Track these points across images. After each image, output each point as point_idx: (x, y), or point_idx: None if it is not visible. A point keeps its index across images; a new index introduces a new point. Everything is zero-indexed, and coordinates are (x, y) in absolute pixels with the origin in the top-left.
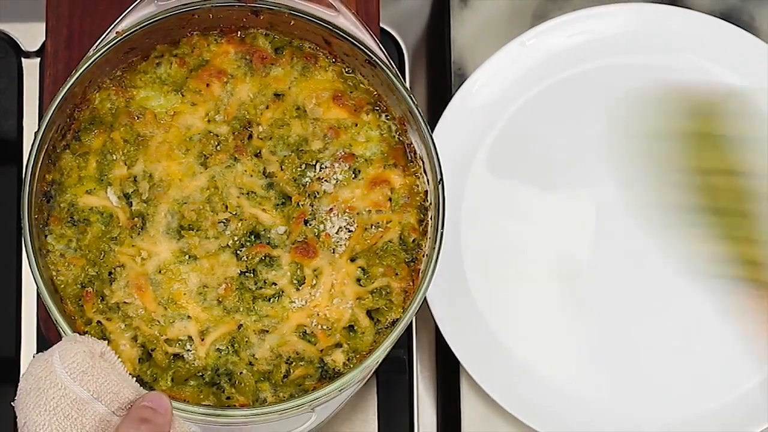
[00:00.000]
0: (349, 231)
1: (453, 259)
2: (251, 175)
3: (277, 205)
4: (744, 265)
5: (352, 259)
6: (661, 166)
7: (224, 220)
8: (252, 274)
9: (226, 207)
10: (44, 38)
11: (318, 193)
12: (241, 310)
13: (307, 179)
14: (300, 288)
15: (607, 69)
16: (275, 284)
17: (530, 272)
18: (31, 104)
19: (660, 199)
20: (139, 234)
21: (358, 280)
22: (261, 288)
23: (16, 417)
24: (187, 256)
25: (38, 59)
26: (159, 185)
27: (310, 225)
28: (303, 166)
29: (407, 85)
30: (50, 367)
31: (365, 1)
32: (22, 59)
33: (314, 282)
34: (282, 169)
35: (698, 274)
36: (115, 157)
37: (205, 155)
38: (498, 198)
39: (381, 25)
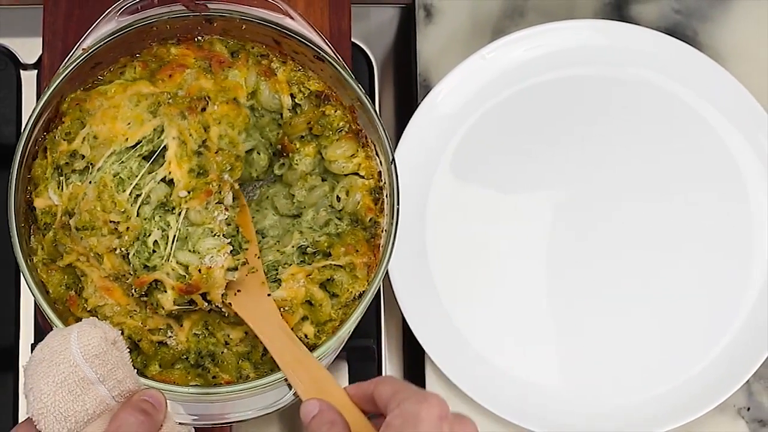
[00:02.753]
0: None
1: (419, 256)
2: (191, 134)
3: (192, 170)
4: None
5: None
6: (611, 167)
7: (114, 222)
8: (146, 298)
9: (115, 204)
10: (41, 52)
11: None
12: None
13: (226, 176)
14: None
15: (560, 80)
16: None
17: (491, 269)
18: (28, 112)
19: (611, 197)
20: (69, 235)
21: (301, 262)
22: (156, 311)
23: (15, 403)
24: (92, 253)
25: (35, 71)
26: (103, 144)
27: (208, 208)
28: (229, 167)
29: (376, 96)
30: (66, 344)
31: (338, 18)
32: (21, 71)
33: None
34: (217, 153)
35: (646, 266)
36: (57, 137)
37: (159, 103)
38: (460, 200)
39: (352, 39)
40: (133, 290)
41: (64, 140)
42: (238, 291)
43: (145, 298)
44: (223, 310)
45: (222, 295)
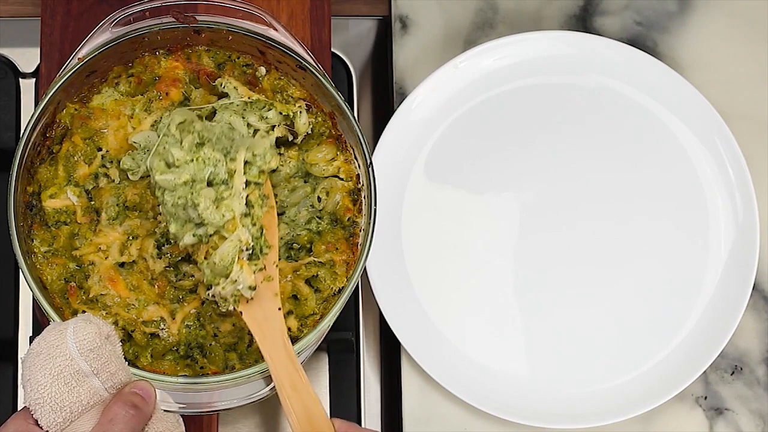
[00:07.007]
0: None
1: (395, 254)
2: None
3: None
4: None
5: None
6: (575, 169)
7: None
8: (173, 269)
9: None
10: (39, 62)
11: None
12: (181, 299)
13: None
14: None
15: (528, 88)
16: (193, 276)
17: (462, 265)
18: (27, 119)
19: (575, 197)
20: (94, 229)
21: (288, 257)
22: (181, 280)
23: (15, 393)
24: (129, 237)
25: (34, 80)
26: (119, 151)
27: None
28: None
29: (355, 103)
30: (63, 338)
31: (318, 29)
32: (20, 80)
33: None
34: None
35: (608, 262)
36: (76, 158)
37: (150, 100)
38: (434, 200)
39: (332, 49)
40: (169, 256)
41: (85, 163)
42: (251, 299)
43: (169, 269)
44: (217, 301)
45: (234, 301)
